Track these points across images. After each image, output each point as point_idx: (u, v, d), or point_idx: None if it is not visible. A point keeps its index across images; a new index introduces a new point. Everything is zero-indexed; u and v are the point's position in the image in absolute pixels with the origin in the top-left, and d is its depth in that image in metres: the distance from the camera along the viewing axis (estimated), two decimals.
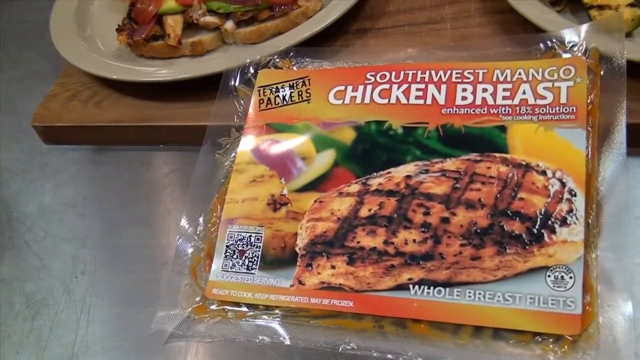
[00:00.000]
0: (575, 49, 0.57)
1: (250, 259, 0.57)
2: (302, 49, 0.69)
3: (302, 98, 0.64)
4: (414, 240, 0.53)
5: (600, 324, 0.47)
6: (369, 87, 0.62)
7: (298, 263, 0.56)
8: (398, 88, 0.61)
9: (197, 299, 0.57)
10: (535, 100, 0.56)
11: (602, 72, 0.54)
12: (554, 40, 0.58)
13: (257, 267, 0.57)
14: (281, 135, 0.63)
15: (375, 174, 0.57)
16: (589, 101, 0.54)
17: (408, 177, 0.56)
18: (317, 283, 0.54)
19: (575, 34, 0.58)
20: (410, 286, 0.52)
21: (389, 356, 0.50)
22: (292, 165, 0.61)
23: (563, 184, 0.52)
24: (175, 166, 0.74)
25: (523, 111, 0.56)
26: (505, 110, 0.56)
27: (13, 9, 1.09)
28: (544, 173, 0.53)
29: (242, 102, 0.66)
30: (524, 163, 0.54)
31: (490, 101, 0.57)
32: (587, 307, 0.48)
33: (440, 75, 0.60)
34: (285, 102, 0.64)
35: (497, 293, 0.50)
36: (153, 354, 0.58)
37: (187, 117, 0.74)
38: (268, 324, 0.54)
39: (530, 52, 0.58)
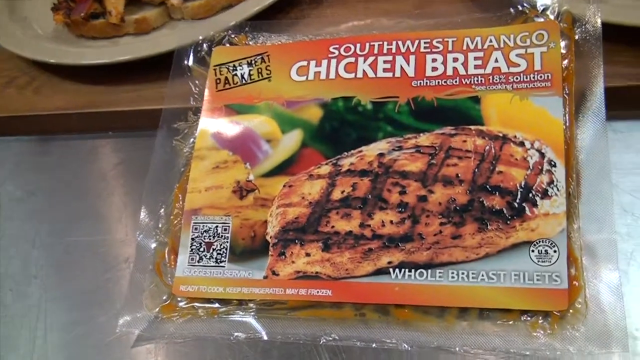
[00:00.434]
0: (548, 12, 0.54)
1: (218, 251, 0.54)
2: (257, 22, 0.65)
3: (262, 76, 0.60)
4: (391, 222, 0.51)
5: (588, 297, 0.46)
6: (334, 61, 0.58)
7: (270, 252, 0.53)
8: (364, 61, 0.58)
9: (164, 297, 0.54)
10: (509, 68, 0.54)
11: (576, 36, 0.53)
12: (525, 4, 0.56)
13: (227, 259, 0.54)
14: (242, 117, 0.59)
15: (346, 153, 0.55)
16: (564, 67, 0.52)
17: (381, 155, 0.53)
18: (292, 273, 0.52)
19: None
20: (391, 270, 0.50)
21: (373, 345, 0.48)
22: (256, 149, 0.57)
23: (542, 155, 0.50)
24: (126, 154, 0.69)
25: (496, 80, 0.54)
26: (477, 80, 0.54)
27: None
28: (522, 144, 0.51)
29: (197, 82, 0.62)
30: (500, 135, 0.52)
31: (461, 71, 0.55)
32: (573, 281, 0.47)
33: (408, 46, 0.57)
34: (244, 81, 0.60)
35: (480, 272, 0.48)
36: (119, 359, 0.54)
37: (135, 101, 0.69)
38: (242, 319, 0.51)
39: (500, 18, 0.56)
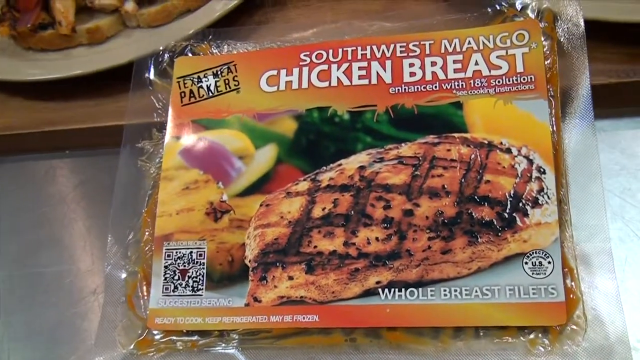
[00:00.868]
0: (528, 11, 0.52)
1: (194, 279, 0.51)
2: (221, 30, 0.61)
3: (229, 87, 0.57)
4: (377, 239, 0.48)
5: (586, 309, 0.44)
6: (305, 70, 0.55)
7: (250, 277, 0.50)
8: (338, 68, 0.55)
9: (139, 332, 0.51)
10: (490, 71, 0.51)
11: (558, 35, 0.51)
12: (503, 3, 0.54)
13: (204, 287, 0.51)
14: (211, 133, 0.55)
15: (324, 168, 0.52)
16: (547, 68, 0.50)
17: (361, 168, 0.51)
18: (275, 298, 0.49)
19: None
20: (380, 290, 0.47)
21: None
22: (228, 167, 0.54)
23: (530, 161, 0.49)
24: (87, 175, 0.65)
25: (478, 84, 0.51)
26: (458, 85, 0.52)
27: None
28: (508, 151, 0.49)
29: (160, 96, 0.58)
30: (486, 142, 0.50)
31: (441, 76, 0.52)
32: (570, 293, 0.45)
33: (384, 51, 0.54)
34: (210, 94, 0.57)
35: (474, 288, 0.46)
36: None
37: (93, 117, 0.65)
38: (225, 351, 0.49)
39: (477, 18, 0.54)
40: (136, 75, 0.59)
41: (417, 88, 0.52)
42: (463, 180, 0.49)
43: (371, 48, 0.55)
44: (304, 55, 0.56)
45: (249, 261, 0.50)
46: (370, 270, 0.48)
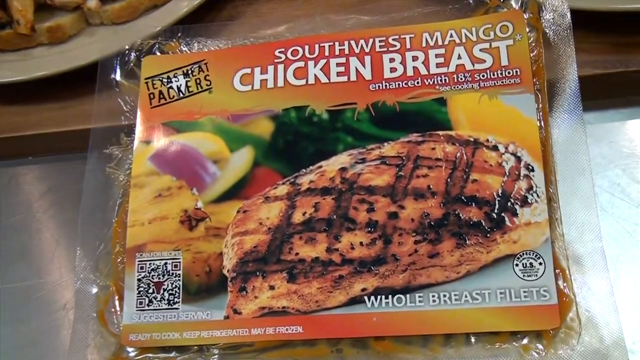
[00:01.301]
0: (511, 1, 0.50)
1: (170, 292, 0.48)
2: (190, 26, 0.58)
3: (201, 87, 0.54)
4: (361, 244, 0.46)
5: (580, 311, 0.43)
6: (281, 67, 0.53)
7: (229, 288, 0.47)
8: (315, 65, 0.52)
9: (112, 349, 0.48)
10: (474, 65, 0.49)
11: (544, 26, 0.49)
12: None
13: (181, 300, 0.48)
14: (183, 136, 0.53)
15: (304, 170, 0.50)
16: (532, 60, 0.48)
17: (343, 169, 0.48)
18: (256, 310, 0.47)
19: None
20: (366, 298, 0.45)
21: None
22: (203, 172, 0.51)
23: (518, 159, 0.47)
24: (54, 182, 0.62)
25: (461, 79, 0.49)
26: (441, 80, 0.50)
27: None
28: (495, 148, 0.47)
29: (127, 98, 0.55)
30: (471, 139, 0.48)
31: (422, 71, 0.50)
32: (563, 295, 0.43)
33: (362, 45, 0.52)
34: (181, 95, 0.54)
35: (463, 293, 0.45)
36: None
37: (58, 121, 0.62)
38: None
39: (459, 10, 0.51)
40: (101, 77, 0.56)
41: (399, 84, 0.50)
42: (449, 180, 0.47)
43: (349, 43, 0.52)
44: (279, 52, 0.53)
45: (228, 271, 0.48)
46: (355, 277, 0.46)
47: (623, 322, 0.42)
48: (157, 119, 0.54)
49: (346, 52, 0.52)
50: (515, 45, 0.49)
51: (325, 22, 0.55)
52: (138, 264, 0.49)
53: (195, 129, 0.53)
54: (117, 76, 0.56)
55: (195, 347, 0.47)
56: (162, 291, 0.49)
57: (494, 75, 0.49)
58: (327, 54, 0.52)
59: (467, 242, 0.45)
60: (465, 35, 0.50)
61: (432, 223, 0.46)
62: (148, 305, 0.48)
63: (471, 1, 0.51)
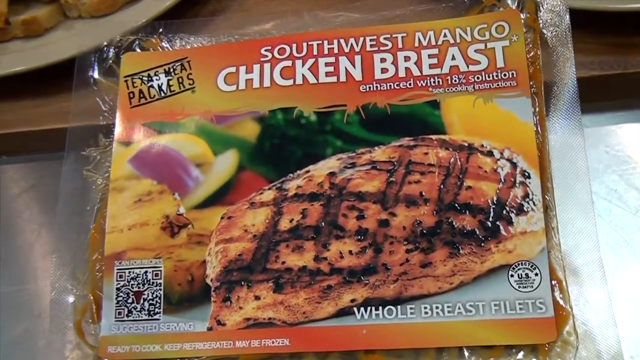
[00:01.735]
0: (508, 0, 0.49)
1: (150, 302, 0.47)
2: (172, 21, 0.56)
3: (183, 87, 0.52)
4: (350, 252, 0.44)
5: (577, 325, 0.41)
6: (267, 66, 0.51)
7: (213, 299, 0.45)
8: (303, 64, 0.50)
9: None
10: (468, 67, 0.48)
11: (541, 27, 0.47)
12: None
13: (161, 310, 0.46)
14: (165, 138, 0.51)
15: (291, 175, 0.48)
16: (529, 62, 0.47)
17: (331, 174, 0.47)
18: (240, 321, 0.45)
19: None
20: (355, 309, 0.44)
21: None
22: (185, 176, 0.49)
23: (514, 165, 0.45)
24: (30, 182, 0.59)
25: (455, 81, 0.48)
26: (434, 82, 0.48)
27: None
28: (490, 154, 0.46)
29: (106, 97, 0.53)
30: (466, 144, 0.46)
31: (415, 72, 0.48)
32: (559, 308, 0.42)
33: (352, 44, 0.50)
34: (163, 94, 0.52)
35: (457, 304, 0.43)
36: None
37: (34, 119, 0.60)
38: None
39: (453, 9, 0.50)
40: (79, 74, 0.54)
41: (390, 85, 0.48)
42: (442, 186, 0.45)
43: (338, 42, 0.50)
44: (265, 50, 0.51)
45: (211, 280, 0.46)
46: (344, 287, 0.44)
47: (621, 336, 0.41)
48: (137, 119, 0.51)
49: (335, 51, 0.50)
50: (512, 46, 0.47)
51: (313, 19, 0.53)
52: (117, 273, 0.47)
53: (177, 130, 0.50)
54: (95, 74, 0.54)
55: None
56: (142, 301, 0.46)
57: (489, 77, 0.47)
58: (315, 53, 0.50)
59: (461, 251, 0.44)
60: (460, 35, 0.49)
61: (425, 231, 0.44)
62: (127, 315, 0.46)
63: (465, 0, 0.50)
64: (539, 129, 0.45)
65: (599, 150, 0.51)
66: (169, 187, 0.49)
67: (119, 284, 0.47)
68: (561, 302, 0.42)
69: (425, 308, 0.43)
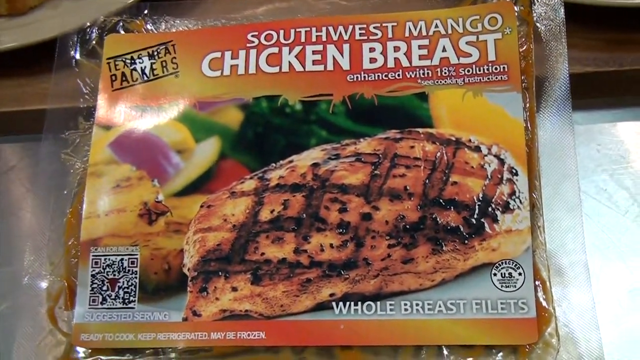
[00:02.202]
0: None
1: (125, 290, 0.45)
2: (157, 3, 0.54)
3: (167, 71, 0.50)
4: (331, 245, 0.43)
5: (559, 326, 0.40)
6: (253, 52, 0.49)
7: (189, 288, 0.44)
8: (290, 51, 0.49)
9: (61, 349, 0.45)
10: (459, 59, 0.47)
11: (535, 20, 0.46)
12: None
13: (136, 299, 0.45)
14: (146, 123, 0.49)
15: (273, 165, 0.47)
16: (521, 56, 0.46)
17: (315, 165, 0.45)
18: (216, 312, 0.44)
19: None
20: (334, 304, 0.43)
21: None
22: (165, 162, 0.48)
23: (501, 161, 0.44)
24: (8, 165, 0.58)
25: (445, 73, 0.46)
26: (423, 73, 0.47)
27: None
28: (477, 149, 0.45)
29: (87, 79, 0.52)
30: (453, 139, 0.45)
31: (404, 62, 0.47)
32: (542, 310, 0.41)
33: (341, 33, 0.49)
34: (145, 78, 0.50)
35: (437, 302, 0.42)
36: None
37: (15, 99, 0.58)
38: None
39: None
40: (60, 54, 0.52)
41: (378, 76, 0.47)
42: (427, 181, 0.44)
43: (327, 29, 0.49)
44: (252, 36, 0.50)
45: (188, 270, 0.45)
46: (324, 281, 0.43)
47: (604, 340, 0.40)
48: (118, 103, 0.50)
49: (324, 39, 0.49)
50: (504, 39, 0.46)
51: (303, 5, 0.52)
52: (92, 259, 0.46)
53: (159, 115, 0.49)
54: (77, 55, 0.52)
55: (150, 350, 0.44)
56: (117, 289, 0.45)
57: (479, 70, 0.46)
58: (303, 40, 0.49)
59: (444, 248, 0.43)
60: (451, 26, 0.47)
61: (408, 226, 0.43)
62: (102, 303, 0.45)
63: None
64: (528, 125, 0.44)
65: (590, 148, 0.50)
66: (149, 174, 0.48)
67: (94, 270, 0.46)
68: (544, 303, 0.41)
69: (405, 305, 0.42)
